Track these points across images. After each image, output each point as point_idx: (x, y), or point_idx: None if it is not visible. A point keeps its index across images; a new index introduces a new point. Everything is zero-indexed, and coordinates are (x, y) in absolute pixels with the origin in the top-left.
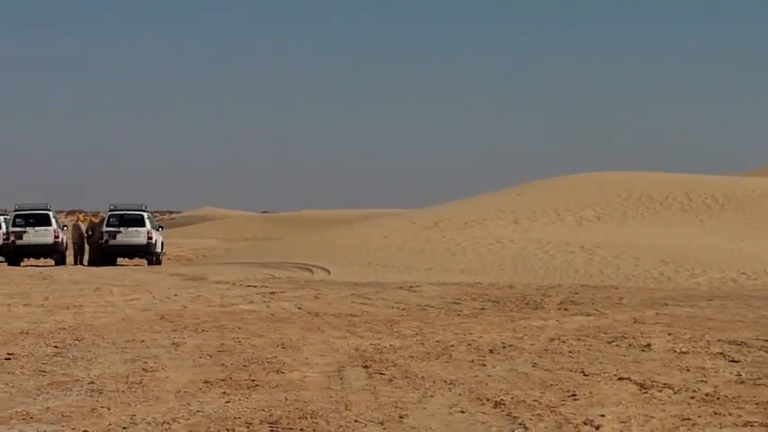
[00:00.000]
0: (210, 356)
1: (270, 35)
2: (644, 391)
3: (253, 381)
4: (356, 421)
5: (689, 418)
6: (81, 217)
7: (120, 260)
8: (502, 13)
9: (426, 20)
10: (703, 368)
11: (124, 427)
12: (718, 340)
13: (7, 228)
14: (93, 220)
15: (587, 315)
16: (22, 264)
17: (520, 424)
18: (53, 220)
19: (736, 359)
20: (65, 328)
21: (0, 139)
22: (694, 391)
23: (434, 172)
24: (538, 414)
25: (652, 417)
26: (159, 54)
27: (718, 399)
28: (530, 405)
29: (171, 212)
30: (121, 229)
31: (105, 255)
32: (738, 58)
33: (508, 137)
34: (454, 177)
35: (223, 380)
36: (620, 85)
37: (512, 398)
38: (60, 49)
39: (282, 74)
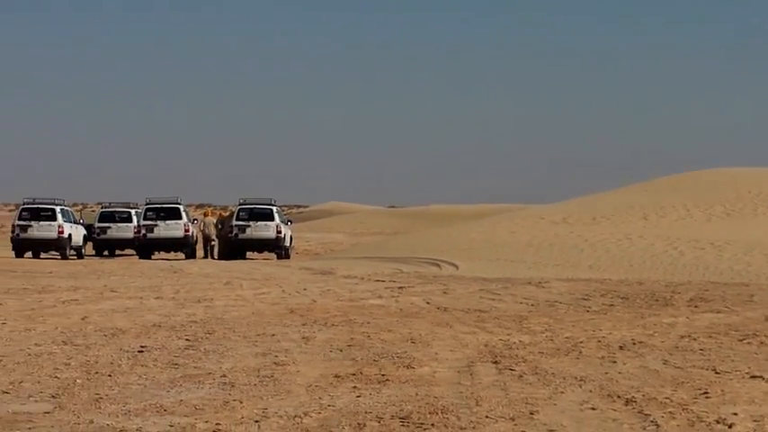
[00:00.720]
0: (340, 351)
1: (414, 33)
2: None
3: (383, 375)
4: (487, 417)
5: None
6: (209, 211)
7: (249, 254)
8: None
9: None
10: None
11: (256, 421)
12: None
13: (138, 221)
14: (223, 214)
15: (718, 312)
16: (153, 257)
17: (651, 422)
18: (183, 214)
19: None
20: (196, 322)
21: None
22: None
23: (563, 166)
24: (669, 412)
25: None
26: (303, 48)
27: None
28: (661, 402)
29: (299, 207)
30: (251, 223)
31: (235, 249)
32: None
33: (636, 131)
34: (583, 172)
35: (353, 374)
36: (751, 78)
37: (643, 395)
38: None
39: (410, 69)
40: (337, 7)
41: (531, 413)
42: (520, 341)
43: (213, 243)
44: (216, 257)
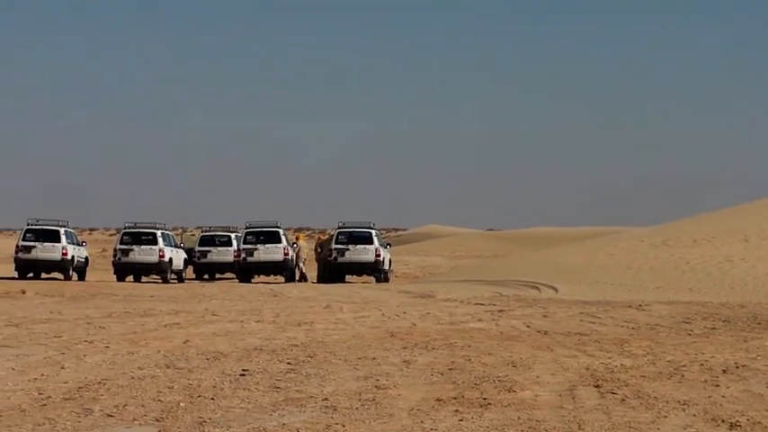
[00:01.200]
0: (442, 374)
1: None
2: None
3: (485, 399)
4: None
5: None
6: (301, 236)
7: (348, 277)
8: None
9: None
10: None
11: None
12: None
13: (238, 245)
14: (322, 237)
15: None
16: (252, 281)
17: None
18: (282, 238)
19: None
20: (297, 345)
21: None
22: None
23: (663, 188)
24: None
25: None
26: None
27: None
28: (766, 427)
29: (397, 230)
30: (350, 246)
31: (334, 272)
32: None
33: (736, 153)
34: (683, 194)
35: (455, 398)
36: None
37: (747, 419)
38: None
39: (514, 91)
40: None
41: None
42: (621, 364)
43: (300, 266)
44: (299, 280)
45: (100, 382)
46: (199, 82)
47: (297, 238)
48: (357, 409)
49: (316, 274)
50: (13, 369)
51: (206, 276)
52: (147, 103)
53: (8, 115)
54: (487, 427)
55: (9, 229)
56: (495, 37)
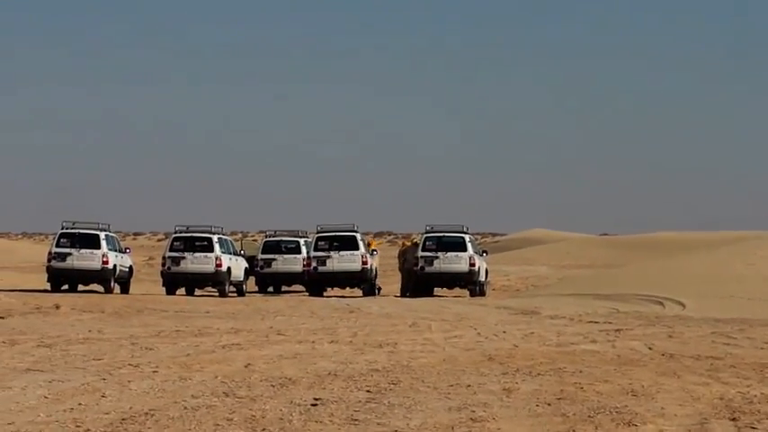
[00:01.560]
0: (549, 405)
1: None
2: None
3: None
4: None
5: None
6: (373, 242)
7: (437, 290)
8: None
9: None
10: None
11: None
12: None
13: (308, 252)
14: (406, 243)
15: None
16: (325, 294)
17: None
18: (360, 244)
19: None
20: (378, 370)
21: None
22: None
23: None
24: None
25: None
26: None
27: None
28: None
29: (494, 235)
30: (439, 254)
31: (420, 284)
32: None
33: None
34: None
35: None
36: None
37: None
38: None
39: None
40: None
41: None
42: (762, 394)
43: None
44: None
45: (147, 413)
46: None
47: (369, 245)
48: None
49: (400, 286)
50: (46, 397)
51: (270, 289)
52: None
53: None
54: None
55: (41, 234)
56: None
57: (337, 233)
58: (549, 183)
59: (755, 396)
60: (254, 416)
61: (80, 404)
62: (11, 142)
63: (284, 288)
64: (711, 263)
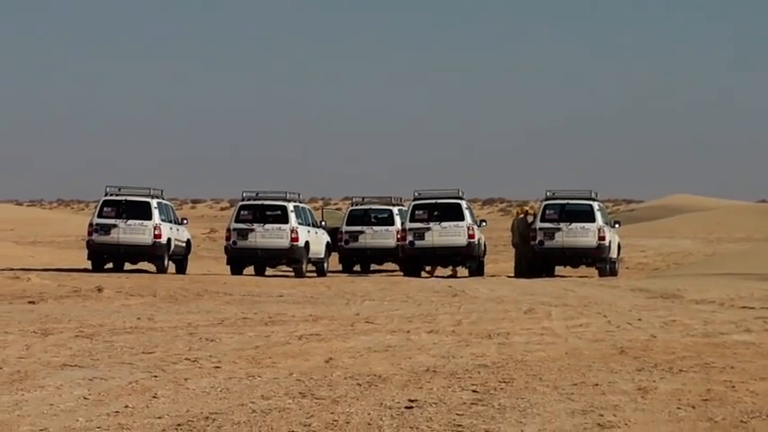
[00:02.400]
0: (693, 408)
1: None
2: None
3: None
4: None
5: None
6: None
7: (559, 269)
8: None
9: None
10: None
11: None
12: None
13: (403, 223)
14: (521, 211)
15: None
16: (423, 274)
17: None
18: (466, 213)
19: None
20: (486, 366)
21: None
22: None
23: None
24: None
25: None
26: None
27: None
28: None
29: (628, 202)
30: (562, 225)
31: (538, 261)
32: None
33: None
34: None
35: None
36: None
37: None
38: None
39: None
40: None
41: None
42: None
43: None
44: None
45: (207, 418)
46: None
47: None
48: None
49: (513, 264)
50: (86, 398)
51: (357, 268)
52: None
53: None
54: None
55: (80, 201)
56: None
57: (438, 200)
58: (691, 141)
59: None
60: (336, 420)
61: (126, 407)
62: (51, 95)
63: (373, 267)
64: None
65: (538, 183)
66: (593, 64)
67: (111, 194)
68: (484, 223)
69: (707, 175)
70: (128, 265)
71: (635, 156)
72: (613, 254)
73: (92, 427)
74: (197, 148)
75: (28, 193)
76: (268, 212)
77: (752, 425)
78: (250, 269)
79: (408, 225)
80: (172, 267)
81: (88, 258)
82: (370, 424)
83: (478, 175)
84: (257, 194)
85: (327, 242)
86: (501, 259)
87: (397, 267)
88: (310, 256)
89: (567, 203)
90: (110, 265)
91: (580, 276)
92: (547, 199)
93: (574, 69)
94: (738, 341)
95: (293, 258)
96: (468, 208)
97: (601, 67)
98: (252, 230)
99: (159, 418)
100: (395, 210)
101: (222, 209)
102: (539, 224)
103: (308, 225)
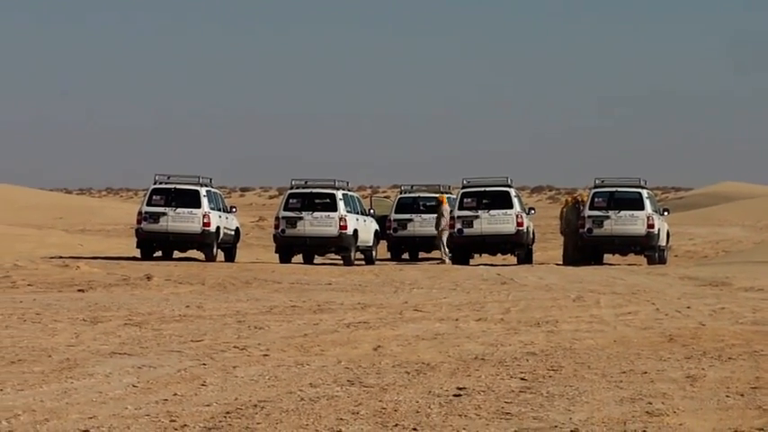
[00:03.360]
0: (742, 395)
1: None
2: None
3: None
4: None
5: None
6: (444, 198)
7: (608, 257)
8: None
9: None
10: None
11: None
12: None
13: (452, 211)
14: (570, 199)
15: None
16: (471, 262)
17: None
18: (515, 201)
19: None
20: (534, 353)
21: None
22: None
23: None
24: None
25: None
26: None
27: None
28: None
29: (677, 190)
30: (611, 213)
31: (587, 249)
32: None
33: None
34: None
35: (761, 429)
36: None
37: None
38: None
39: None
40: None
41: None
42: None
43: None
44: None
45: (256, 406)
46: None
47: (441, 202)
48: None
49: (562, 252)
50: (135, 386)
51: (405, 256)
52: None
53: None
54: None
55: (128, 190)
56: None
57: (487, 188)
58: (740, 127)
59: None
60: (384, 408)
61: (175, 394)
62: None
63: (422, 255)
64: None
65: (587, 171)
66: (643, 49)
67: (161, 183)
68: (533, 211)
69: (757, 162)
70: (177, 254)
71: (685, 143)
72: (662, 242)
73: (140, 415)
74: (247, 137)
75: (77, 181)
76: (317, 200)
77: None
78: (299, 257)
79: (457, 213)
80: (221, 255)
81: (137, 247)
82: (418, 412)
83: (527, 162)
84: (306, 182)
85: (376, 230)
86: (549, 247)
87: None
88: (359, 244)
89: (616, 191)
90: (159, 254)
91: (629, 264)
92: (596, 187)
93: (621, 54)
94: None
95: (342, 246)
96: (517, 196)
97: (649, 53)
98: (300, 218)
99: (208, 405)
100: (444, 198)
101: (271, 197)
102: (587, 212)
103: (357, 213)
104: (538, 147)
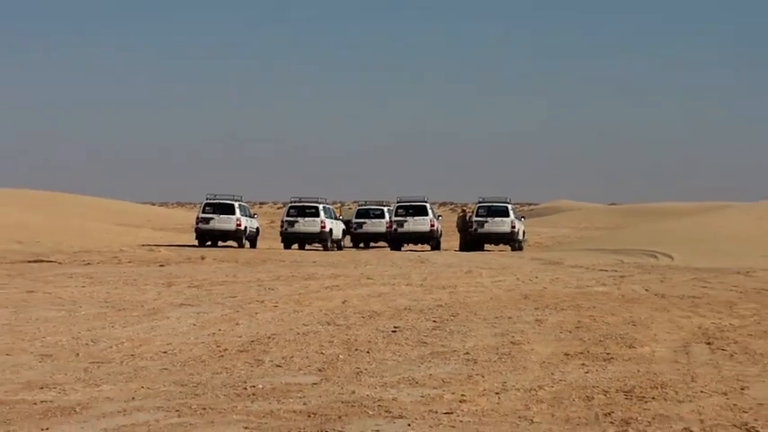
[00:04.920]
0: (569, 332)
1: None
2: None
3: (608, 354)
4: (701, 392)
5: None
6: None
7: (486, 246)
8: None
9: None
10: None
11: (497, 393)
12: None
13: (390, 217)
14: (461, 212)
15: None
16: (402, 249)
17: None
18: (429, 211)
19: None
20: (441, 306)
21: None
22: None
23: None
24: None
25: None
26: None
27: None
28: None
29: (530, 204)
30: (488, 219)
31: (473, 241)
32: None
33: None
34: None
35: (581, 353)
36: None
37: None
38: None
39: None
40: None
41: (742, 389)
42: (730, 324)
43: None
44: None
45: (269, 337)
46: None
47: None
48: (495, 361)
49: (459, 243)
50: (195, 325)
51: (361, 245)
52: None
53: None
54: (610, 378)
55: (190, 203)
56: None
57: (412, 203)
58: (572, 161)
59: (725, 326)
60: (348, 339)
61: (220, 330)
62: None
63: (372, 244)
64: (694, 226)
65: (476, 189)
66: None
67: (210, 199)
68: (440, 217)
69: (581, 183)
70: (220, 243)
71: (533, 170)
72: (520, 237)
73: (198, 343)
74: (265, 163)
75: (158, 197)
76: (307, 210)
77: (606, 343)
78: (296, 246)
79: (394, 218)
80: (247, 244)
81: (195, 239)
82: (369, 341)
83: (439, 184)
84: (300, 199)
85: (343, 229)
86: (450, 240)
87: (386, 245)
88: (333, 237)
89: (492, 205)
90: (209, 243)
91: (500, 251)
92: (480, 202)
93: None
94: (598, 291)
95: (322, 239)
96: (431, 207)
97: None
98: (296, 221)
99: (240, 337)
100: (385, 209)
101: (278, 208)
102: (474, 218)
103: (332, 218)
104: (444, 174)
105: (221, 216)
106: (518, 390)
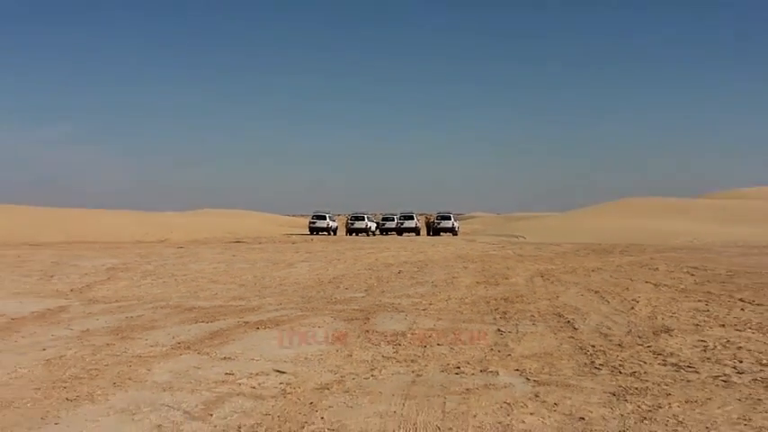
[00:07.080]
0: (480, 272)
1: None
2: (656, 287)
3: (496, 282)
4: (539, 299)
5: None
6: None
7: (442, 234)
8: None
9: None
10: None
11: (446, 300)
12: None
13: (396, 220)
14: (426, 218)
15: (630, 256)
16: (403, 235)
17: (606, 300)
18: (414, 217)
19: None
20: (421, 261)
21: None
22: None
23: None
24: (612, 295)
25: (658, 297)
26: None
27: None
28: (609, 292)
29: (460, 213)
30: (442, 220)
31: (434, 232)
32: None
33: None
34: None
35: (485, 281)
36: None
37: (603, 290)
38: None
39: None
40: None
41: (557, 296)
42: (552, 268)
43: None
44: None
45: (342, 276)
46: None
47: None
48: (444, 286)
49: (425, 233)
50: (308, 269)
51: (384, 234)
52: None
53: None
54: (497, 293)
55: (306, 214)
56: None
57: (406, 213)
58: (485, 183)
59: (549, 269)
60: (379, 277)
61: (319, 272)
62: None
63: (388, 234)
64: (539, 223)
65: (440, 202)
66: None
67: (315, 212)
68: (334, 219)
69: (495, 197)
70: (319, 234)
71: (462, 188)
72: (458, 229)
73: (309, 278)
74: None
75: (282, 209)
76: (320, 215)
77: (495, 278)
78: (354, 235)
79: (398, 221)
80: (332, 234)
81: (309, 232)
82: (387, 277)
83: (418, 197)
84: (355, 213)
85: (376, 225)
86: (423, 232)
87: (396, 234)
88: (371, 230)
89: (443, 214)
90: (315, 234)
91: (447, 237)
92: (438, 213)
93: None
94: (492, 254)
95: (330, 231)
96: (415, 215)
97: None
98: (354, 222)
99: (328, 275)
100: (365, 217)
101: (346, 216)
102: (435, 220)
103: (371, 221)
104: (424, 192)
105: (320, 220)
106: (455, 299)
